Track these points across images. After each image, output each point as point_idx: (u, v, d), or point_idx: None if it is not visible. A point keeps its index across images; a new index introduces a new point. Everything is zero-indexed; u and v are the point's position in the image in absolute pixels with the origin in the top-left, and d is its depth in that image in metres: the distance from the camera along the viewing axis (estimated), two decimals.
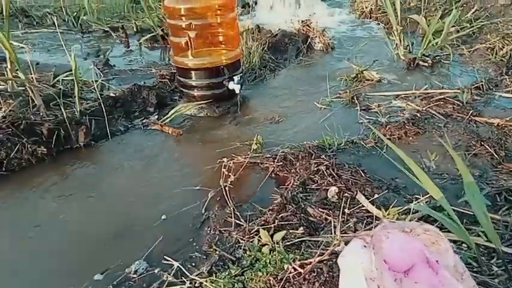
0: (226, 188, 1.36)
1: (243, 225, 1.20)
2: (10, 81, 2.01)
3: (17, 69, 1.97)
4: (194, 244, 1.17)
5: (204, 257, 1.12)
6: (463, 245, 1.03)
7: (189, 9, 1.81)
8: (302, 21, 2.98)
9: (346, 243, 1.02)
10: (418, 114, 1.80)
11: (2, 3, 1.98)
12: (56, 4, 4.73)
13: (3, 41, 1.88)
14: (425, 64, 2.38)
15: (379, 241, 0.72)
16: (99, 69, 2.57)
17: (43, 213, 1.37)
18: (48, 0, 5.16)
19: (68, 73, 2.18)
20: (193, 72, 1.92)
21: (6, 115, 1.67)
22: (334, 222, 1.13)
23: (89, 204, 1.40)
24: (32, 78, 1.98)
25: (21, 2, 5.11)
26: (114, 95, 2.03)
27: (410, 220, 1.09)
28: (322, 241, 1.09)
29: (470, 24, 2.71)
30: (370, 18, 3.51)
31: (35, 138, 1.64)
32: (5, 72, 2.10)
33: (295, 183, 1.36)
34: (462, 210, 1.15)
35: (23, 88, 2.07)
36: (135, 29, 3.57)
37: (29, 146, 1.61)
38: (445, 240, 0.75)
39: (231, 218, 1.25)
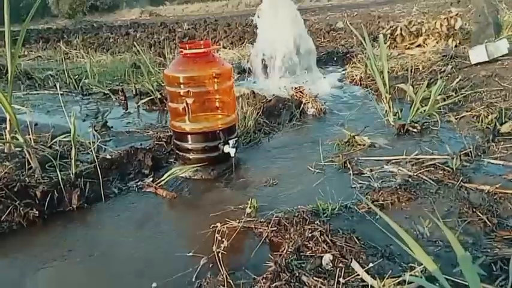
0: (219, 255, 1.34)
1: None
2: (8, 143, 2.04)
3: (15, 131, 2.01)
4: None
5: None
6: None
7: (188, 78, 1.90)
8: (295, 88, 3.11)
9: None
10: (410, 180, 1.83)
11: (8, 67, 2.06)
12: (59, 67, 4.93)
13: (5, 104, 1.94)
14: (415, 130, 2.46)
15: None
16: (96, 131, 2.62)
17: (30, 279, 1.32)
18: (52, 64, 5.38)
19: (65, 135, 2.23)
20: (189, 136, 1.97)
21: (1, 177, 1.68)
22: None
23: (78, 269, 1.37)
24: (30, 139, 2.01)
25: (25, 65, 5.33)
26: (110, 157, 2.05)
27: None
28: None
29: (455, 93, 2.84)
30: (361, 85, 3.68)
31: (28, 200, 1.63)
32: (4, 134, 2.14)
33: (290, 250, 1.35)
34: (458, 280, 1.14)
35: (20, 149, 2.10)
36: (134, 92, 3.69)
37: (21, 208, 1.59)
38: None
39: (224, 286, 1.22)
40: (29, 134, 2.17)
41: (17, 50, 2.13)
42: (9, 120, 2.03)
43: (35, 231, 1.59)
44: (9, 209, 1.58)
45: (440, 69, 3.56)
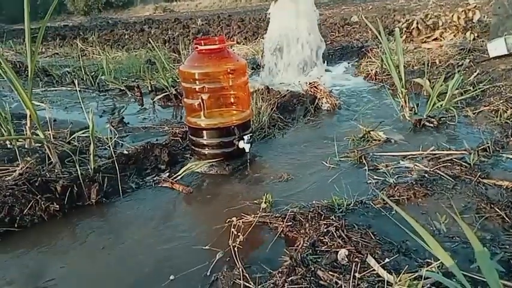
0: (235, 249, 1.36)
1: None
2: (28, 139, 2.09)
3: (36, 128, 2.05)
4: None
5: None
6: None
7: (203, 74, 1.91)
8: (310, 83, 3.10)
9: None
10: (426, 175, 1.81)
11: (27, 64, 2.10)
12: (76, 64, 5.01)
13: (26, 100, 1.99)
14: (431, 125, 2.43)
15: None
16: (113, 126, 2.67)
17: (52, 272, 1.36)
18: (69, 61, 5.47)
19: (83, 131, 2.27)
20: (205, 131, 1.99)
21: (23, 172, 1.72)
22: (344, 287, 1.11)
23: (98, 262, 1.40)
24: (50, 135, 2.06)
25: (43, 62, 5.43)
26: (127, 153, 2.09)
27: (422, 286, 1.06)
28: None
29: (473, 87, 2.80)
30: (376, 80, 3.64)
31: (48, 195, 1.67)
32: (24, 130, 2.20)
33: (305, 245, 1.36)
34: (475, 276, 1.13)
35: (40, 145, 2.15)
36: (149, 88, 3.73)
37: (42, 202, 1.64)
38: None
39: (240, 280, 1.23)
40: (48, 130, 2.22)
41: (37, 47, 2.17)
42: (30, 116, 2.08)
43: (55, 224, 1.63)
44: (31, 203, 1.63)
45: (458, 63, 3.51)
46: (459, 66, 3.40)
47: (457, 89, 2.57)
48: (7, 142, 2.18)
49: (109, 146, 2.02)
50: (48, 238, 1.54)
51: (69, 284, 1.31)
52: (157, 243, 1.49)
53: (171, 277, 1.28)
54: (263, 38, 4.53)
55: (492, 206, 1.52)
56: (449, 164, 1.89)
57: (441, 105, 2.46)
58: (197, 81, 1.93)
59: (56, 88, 4.12)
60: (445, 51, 3.91)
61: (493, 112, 2.48)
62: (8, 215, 1.58)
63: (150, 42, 5.13)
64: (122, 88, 3.81)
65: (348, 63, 4.46)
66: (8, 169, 1.88)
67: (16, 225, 1.58)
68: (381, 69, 3.66)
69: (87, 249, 1.48)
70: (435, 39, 4.54)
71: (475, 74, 3.01)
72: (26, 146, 2.18)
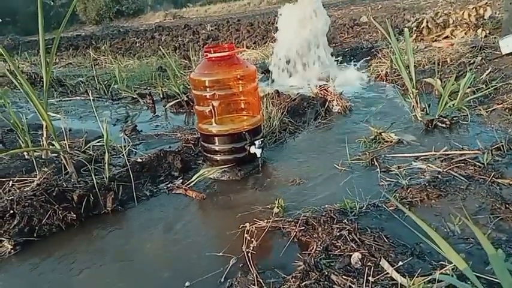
0: (249, 254, 1.38)
1: None
2: (45, 150, 2.14)
3: (52, 138, 2.10)
4: None
5: None
6: None
7: (213, 81, 1.94)
8: (320, 86, 3.10)
9: None
10: (439, 176, 1.80)
11: (43, 75, 2.16)
12: (89, 73, 5.10)
13: (42, 112, 2.04)
14: (444, 125, 2.41)
15: None
16: (126, 135, 2.71)
17: (71, 280, 1.39)
18: (82, 70, 5.57)
19: (98, 140, 2.32)
20: (216, 138, 2.01)
21: (40, 182, 1.77)
22: None
23: (115, 269, 1.43)
24: (65, 145, 2.11)
25: (57, 72, 5.54)
26: (141, 160, 2.12)
27: None
28: None
29: (485, 85, 2.76)
30: (386, 81, 3.63)
31: (65, 204, 1.71)
32: (41, 140, 2.25)
33: (318, 249, 1.36)
34: (490, 278, 1.12)
35: (56, 155, 2.20)
36: (161, 96, 3.78)
37: (59, 212, 1.68)
38: None
39: (254, 285, 1.25)
40: (64, 140, 2.27)
41: (51, 58, 2.23)
42: (46, 127, 2.13)
43: (73, 233, 1.67)
44: (49, 213, 1.67)
45: (469, 61, 3.47)
46: (471, 64, 3.36)
47: (469, 87, 2.54)
48: (24, 153, 2.24)
49: (123, 155, 2.06)
50: (66, 247, 1.58)
51: None
52: (172, 249, 1.51)
53: (187, 283, 1.30)
54: (272, 42, 4.55)
55: (507, 206, 1.50)
56: (463, 164, 1.87)
57: (453, 104, 2.43)
58: (208, 89, 1.96)
59: (70, 98, 4.20)
60: (456, 49, 3.88)
61: (507, 110, 2.45)
62: (27, 224, 1.62)
63: (160, 50, 5.20)
64: (134, 96, 3.87)
65: (358, 64, 4.44)
66: (26, 180, 1.93)
67: (35, 235, 1.62)
68: (391, 69, 3.65)
69: (104, 257, 1.51)
70: (446, 37, 4.50)
71: (488, 71, 2.98)
72: (42, 157, 2.23)
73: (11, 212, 1.63)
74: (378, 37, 5.53)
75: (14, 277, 1.44)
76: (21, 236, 1.60)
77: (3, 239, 1.57)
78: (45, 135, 2.18)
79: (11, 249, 1.56)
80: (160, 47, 5.89)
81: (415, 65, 2.67)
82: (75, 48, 8.34)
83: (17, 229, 1.60)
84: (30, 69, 5.43)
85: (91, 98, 3.62)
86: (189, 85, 3.60)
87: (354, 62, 4.61)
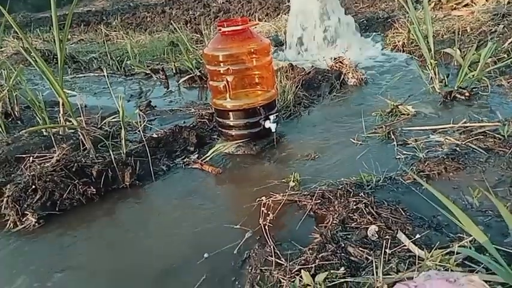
0: (266, 227, 1.39)
1: (283, 265, 1.22)
2: (63, 127, 2.18)
3: (68, 115, 2.13)
4: (237, 283, 1.20)
5: None
6: None
7: (227, 56, 1.91)
8: (334, 58, 3.04)
9: (389, 286, 1.02)
10: (458, 149, 1.77)
11: (56, 52, 2.16)
12: (101, 49, 5.10)
13: (58, 89, 2.06)
14: (463, 97, 2.36)
15: None
16: (141, 110, 2.72)
17: (92, 252, 1.44)
18: (94, 46, 5.57)
19: (114, 116, 2.34)
20: (231, 113, 2.00)
21: (60, 158, 1.80)
22: (375, 262, 1.12)
23: (135, 242, 1.47)
24: (82, 122, 2.13)
25: (69, 48, 5.55)
26: (157, 136, 2.14)
27: (454, 261, 1.06)
28: (365, 282, 1.08)
29: (507, 55, 2.67)
30: (403, 52, 3.53)
31: (85, 179, 1.75)
32: (58, 117, 2.28)
33: (334, 222, 1.37)
34: (510, 250, 1.12)
35: (74, 131, 2.23)
36: (174, 71, 3.77)
37: (80, 187, 1.72)
38: None
39: (271, 257, 1.27)
40: (80, 117, 2.30)
41: (65, 35, 2.23)
42: (62, 104, 2.15)
43: (93, 207, 1.71)
44: (69, 188, 1.71)
45: (491, 29, 3.34)
46: (492, 33, 3.24)
47: (490, 57, 2.46)
48: (43, 130, 2.28)
49: (139, 130, 2.08)
50: (88, 220, 1.63)
51: (108, 261, 1.38)
52: (190, 222, 1.54)
53: (205, 255, 1.33)
54: (285, 14, 4.45)
55: None
56: (482, 137, 1.84)
57: (473, 75, 2.36)
58: (221, 64, 1.94)
59: (84, 74, 4.21)
60: (476, 17, 3.73)
61: None
62: (49, 199, 1.67)
63: (172, 24, 5.14)
64: (147, 72, 3.86)
65: (374, 35, 4.33)
66: (46, 156, 1.97)
67: (57, 209, 1.67)
68: (409, 40, 3.54)
69: (125, 230, 1.55)
70: (466, 5, 4.32)
71: (510, 40, 2.87)
72: (60, 133, 2.26)
73: (33, 187, 1.67)
74: (394, 6, 5.34)
75: (40, 248, 1.50)
76: (44, 210, 1.64)
77: (28, 212, 1.62)
78: (61, 112, 2.21)
79: (35, 222, 1.61)
80: (171, 21, 5.82)
81: (433, 35, 2.59)
82: (86, 24, 8.30)
83: (40, 203, 1.64)
84: (43, 46, 5.44)
85: (105, 74, 3.62)
86: (201, 60, 3.57)
87: (370, 32, 4.49)
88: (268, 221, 1.43)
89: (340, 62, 2.98)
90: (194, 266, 1.29)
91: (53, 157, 1.89)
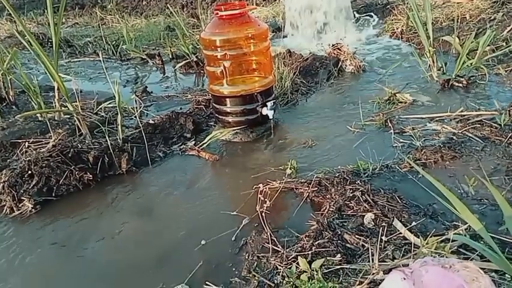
0: (263, 214, 1.40)
1: (280, 251, 1.23)
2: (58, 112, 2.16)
3: (64, 99, 2.11)
4: (234, 269, 1.20)
5: (244, 282, 1.15)
6: (506, 275, 1.01)
7: (224, 41, 1.89)
8: (332, 45, 3.02)
9: (385, 272, 1.03)
10: (454, 138, 1.78)
11: (51, 35, 2.13)
12: (96, 33, 5.02)
13: (53, 73, 2.04)
14: (460, 85, 2.35)
15: (418, 276, 0.73)
16: (137, 96, 2.70)
17: (88, 238, 1.44)
18: (89, 30, 5.49)
19: (110, 101, 2.31)
20: (228, 99, 1.99)
21: (56, 144, 1.79)
22: (371, 249, 1.14)
23: (132, 228, 1.47)
24: (78, 107, 2.11)
25: (64, 32, 5.46)
26: (153, 122, 2.13)
27: (450, 249, 1.08)
28: (361, 269, 1.10)
29: (506, 43, 2.66)
30: (402, 39, 3.51)
31: (81, 165, 1.74)
32: (53, 102, 2.26)
33: (331, 209, 1.38)
34: (504, 238, 1.13)
35: (69, 116, 2.21)
36: (170, 56, 3.73)
37: (76, 172, 1.71)
38: (485, 278, 0.75)
39: (268, 243, 1.28)
40: (75, 102, 2.27)
41: (60, 18, 2.19)
42: (58, 88, 2.13)
43: (90, 193, 1.71)
44: (66, 174, 1.70)
45: (490, 17, 3.32)
46: (491, 20, 3.22)
47: (488, 45, 2.45)
48: (38, 115, 2.25)
49: (135, 116, 2.06)
50: (84, 206, 1.62)
51: (105, 247, 1.39)
52: (187, 209, 1.54)
53: (203, 242, 1.33)
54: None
55: None
56: (479, 125, 1.84)
57: (471, 63, 2.36)
58: (219, 48, 1.92)
59: (79, 59, 4.16)
60: (476, 4, 3.70)
61: None
62: (46, 185, 1.66)
63: (168, 8, 5.07)
64: (143, 57, 3.82)
65: (373, 21, 4.29)
66: (41, 141, 1.95)
67: (54, 195, 1.66)
68: (407, 27, 3.52)
69: (121, 216, 1.55)
70: None
71: (509, 28, 2.85)
72: (56, 118, 2.24)
73: (29, 172, 1.66)
74: None
75: (36, 233, 1.50)
76: (41, 195, 1.64)
77: (24, 198, 1.61)
78: (57, 97, 2.19)
79: (32, 208, 1.60)
80: (167, 5, 5.73)
81: (432, 22, 2.57)
82: (81, 7, 8.16)
83: (36, 189, 1.64)
84: (37, 30, 5.35)
85: (101, 58, 3.58)
86: (198, 45, 3.53)
87: (369, 18, 4.45)
88: (265, 208, 1.44)
89: (338, 48, 2.96)
90: (191, 253, 1.30)
91: (48, 142, 1.88)
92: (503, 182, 1.45)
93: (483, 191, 1.41)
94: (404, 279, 0.74)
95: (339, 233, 1.27)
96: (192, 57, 3.38)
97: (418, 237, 1.17)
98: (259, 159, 1.85)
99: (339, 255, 1.17)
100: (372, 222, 1.30)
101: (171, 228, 1.44)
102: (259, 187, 1.55)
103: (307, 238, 1.26)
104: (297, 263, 1.14)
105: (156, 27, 4.78)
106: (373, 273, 1.03)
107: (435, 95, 2.30)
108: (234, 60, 1.95)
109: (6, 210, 1.62)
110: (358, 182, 1.48)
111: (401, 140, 1.84)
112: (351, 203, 1.39)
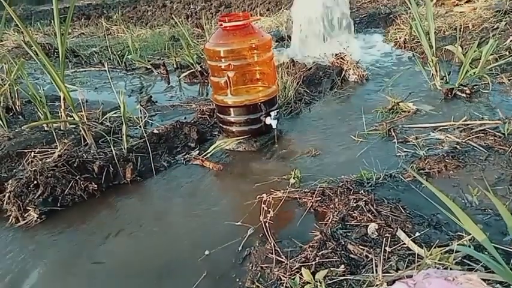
0: (266, 224, 1.40)
1: (283, 262, 1.23)
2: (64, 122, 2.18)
3: (70, 109, 2.13)
4: (237, 280, 1.20)
5: None
6: (511, 287, 1.00)
7: (228, 51, 1.91)
8: (336, 54, 3.03)
9: (388, 284, 1.03)
10: (458, 147, 1.78)
11: (58, 46, 2.16)
12: (102, 43, 5.08)
13: (59, 83, 2.06)
14: (463, 94, 2.35)
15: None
16: (142, 105, 2.72)
17: (92, 249, 1.45)
18: (95, 40, 5.55)
19: (115, 111, 2.33)
20: (232, 109, 2.00)
21: (61, 154, 1.81)
22: (375, 260, 1.13)
23: (136, 239, 1.48)
24: (83, 117, 2.13)
25: (70, 42, 5.53)
26: (158, 132, 2.14)
27: (454, 260, 1.07)
28: (364, 280, 1.09)
29: (509, 52, 2.67)
30: (405, 48, 3.52)
31: (86, 175, 1.75)
32: (59, 112, 2.28)
33: (335, 219, 1.38)
34: (508, 249, 1.13)
35: (75, 126, 2.24)
36: (175, 66, 3.76)
37: (81, 182, 1.72)
38: None
39: (272, 254, 1.28)
40: (81, 112, 2.30)
41: (66, 29, 2.22)
42: (64, 98, 2.15)
43: (95, 203, 1.72)
44: (71, 184, 1.71)
45: (493, 26, 3.33)
46: (494, 29, 3.23)
47: (491, 54, 2.45)
48: (44, 125, 2.28)
49: (140, 126, 2.08)
50: (89, 216, 1.63)
51: (109, 256, 1.39)
52: (191, 219, 1.55)
53: (206, 252, 1.34)
54: (287, 9, 4.42)
55: None
56: (482, 135, 1.84)
57: (474, 72, 2.36)
58: (223, 59, 1.94)
59: (84, 69, 4.20)
60: (479, 14, 3.71)
61: None
62: (51, 195, 1.68)
63: (173, 18, 5.12)
64: (148, 66, 3.85)
65: (376, 31, 4.31)
66: (47, 151, 1.97)
67: (59, 205, 1.68)
68: (410, 36, 3.53)
69: (126, 227, 1.55)
70: (468, 1, 4.30)
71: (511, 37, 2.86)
72: (61, 128, 2.27)
73: (35, 182, 1.68)
74: (396, 2, 5.32)
75: (42, 244, 1.51)
76: (46, 205, 1.65)
77: (29, 208, 1.62)
78: (63, 107, 2.21)
79: (37, 217, 1.61)
80: (172, 15, 5.79)
81: (435, 32, 2.58)
82: (87, 18, 8.27)
83: (42, 199, 1.65)
84: (44, 40, 5.42)
85: (107, 68, 3.62)
86: (202, 55, 3.56)
87: (372, 28, 4.48)
88: (268, 218, 1.44)
89: (342, 58, 2.98)
90: (195, 263, 1.30)
91: (54, 152, 1.90)
92: (507, 191, 1.44)
93: (487, 201, 1.40)
94: None
95: (343, 243, 1.26)
96: (196, 67, 3.41)
97: (422, 248, 1.17)
98: (262, 169, 1.86)
99: (342, 266, 1.16)
100: (376, 233, 1.30)
101: (175, 238, 1.45)
102: (263, 197, 1.56)
103: (310, 248, 1.26)
104: (301, 274, 1.14)
105: (161, 38, 4.83)
106: (377, 285, 1.03)
107: (438, 104, 2.30)
108: (237, 71, 1.97)
109: (12, 220, 1.63)
110: (362, 191, 1.48)
111: (404, 149, 1.84)
112: (355, 213, 1.39)
